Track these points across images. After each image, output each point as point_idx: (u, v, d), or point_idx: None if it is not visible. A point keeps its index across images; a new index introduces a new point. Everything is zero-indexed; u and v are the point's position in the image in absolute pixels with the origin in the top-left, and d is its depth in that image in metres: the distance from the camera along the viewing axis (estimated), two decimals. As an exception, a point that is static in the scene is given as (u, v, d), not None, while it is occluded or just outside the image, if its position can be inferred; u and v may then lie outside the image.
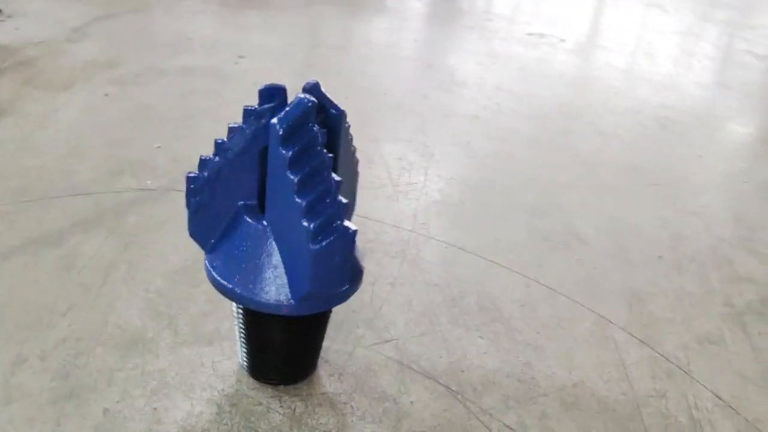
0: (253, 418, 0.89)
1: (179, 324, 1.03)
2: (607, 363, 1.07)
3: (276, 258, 0.82)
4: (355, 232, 0.78)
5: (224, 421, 0.88)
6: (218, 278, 0.84)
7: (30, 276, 1.10)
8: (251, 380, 0.95)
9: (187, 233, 0.86)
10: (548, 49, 2.69)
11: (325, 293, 0.82)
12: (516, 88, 2.21)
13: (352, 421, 0.91)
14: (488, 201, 1.51)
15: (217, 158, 0.83)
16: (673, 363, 1.09)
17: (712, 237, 1.48)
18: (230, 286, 0.83)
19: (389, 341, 1.05)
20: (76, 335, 0.99)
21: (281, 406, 0.91)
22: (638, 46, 2.98)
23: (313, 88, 0.81)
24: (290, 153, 0.76)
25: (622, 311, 1.20)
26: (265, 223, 0.83)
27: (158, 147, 1.54)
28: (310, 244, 0.76)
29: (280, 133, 0.76)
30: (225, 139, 0.82)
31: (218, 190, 0.85)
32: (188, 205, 0.85)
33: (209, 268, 0.86)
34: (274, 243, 0.82)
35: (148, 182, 1.40)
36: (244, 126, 0.81)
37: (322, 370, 0.98)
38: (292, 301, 0.82)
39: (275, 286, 0.82)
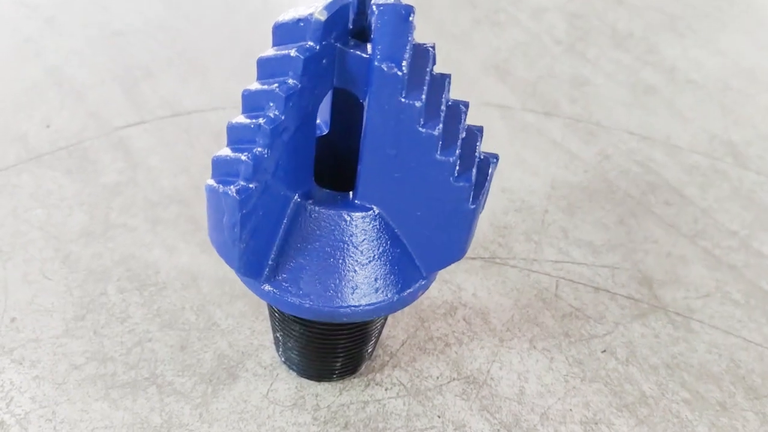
0: (379, 419, 0.70)
1: (168, 382, 0.70)
2: (544, 148, 1.06)
3: (394, 240, 0.57)
4: (497, 161, 0.57)
5: (362, 442, 0.68)
6: (327, 306, 0.56)
7: None
8: (323, 386, 0.72)
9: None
10: None
11: (465, 249, 0.62)
12: None
13: (460, 346, 0.77)
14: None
15: (269, 150, 0.50)
16: (582, 121, 1.12)
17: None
18: (358, 305, 0.57)
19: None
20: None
21: (387, 390, 0.72)
22: None
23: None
24: (420, 101, 0.49)
25: (507, 93, 1.17)
26: (356, 203, 0.56)
27: None
28: (470, 204, 0.54)
29: (406, 77, 0.48)
30: (278, 113, 0.48)
31: (271, 193, 0.53)
32: (240, 238, 0.52)
33: (292, 300, 0.56)
34: (382, 223, 0.57)
35: None
36: (302, 84, 0.49)
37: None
38: (424, 281, 0.60)
39: (408, 272, 0.58)
